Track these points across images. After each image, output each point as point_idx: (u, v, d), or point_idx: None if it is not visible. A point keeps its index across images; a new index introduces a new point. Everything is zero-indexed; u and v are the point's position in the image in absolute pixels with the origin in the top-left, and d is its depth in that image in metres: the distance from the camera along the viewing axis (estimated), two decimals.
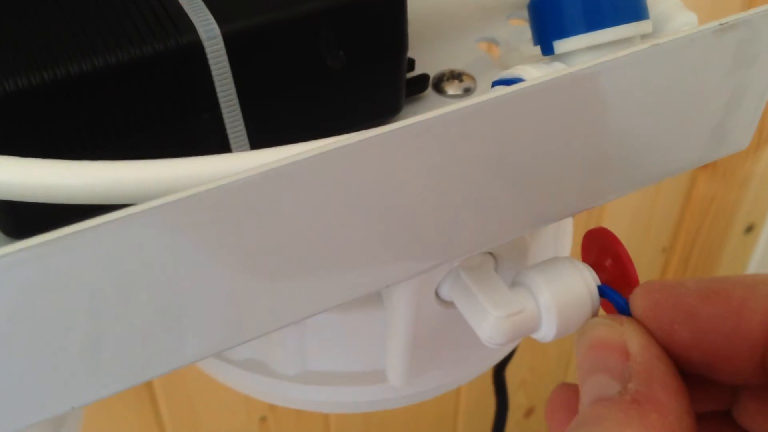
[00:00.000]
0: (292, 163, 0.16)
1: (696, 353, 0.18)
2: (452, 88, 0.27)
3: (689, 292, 0.19)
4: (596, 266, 0.24)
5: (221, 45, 0.20)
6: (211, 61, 0.20)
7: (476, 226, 0.20)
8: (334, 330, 0.26)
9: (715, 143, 0.23)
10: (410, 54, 0.27)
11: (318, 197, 0.17)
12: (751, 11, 0.20)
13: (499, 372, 0.49)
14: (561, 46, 0.23)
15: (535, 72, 0.21)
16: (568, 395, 0.22)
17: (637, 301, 0.20)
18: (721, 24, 0.20)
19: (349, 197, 0.18)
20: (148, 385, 0.63)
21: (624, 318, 0.20)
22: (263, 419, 0.71)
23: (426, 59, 0.28)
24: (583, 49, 0.22)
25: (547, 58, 0.24)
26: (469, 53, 0.29)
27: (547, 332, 0.22)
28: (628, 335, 0.19)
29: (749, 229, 0.88)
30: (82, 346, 0.16)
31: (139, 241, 0.15)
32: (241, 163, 0.17)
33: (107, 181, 0.16)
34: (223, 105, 0.21)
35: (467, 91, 0.26)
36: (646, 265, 0.87)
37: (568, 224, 0.31)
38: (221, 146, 0.22)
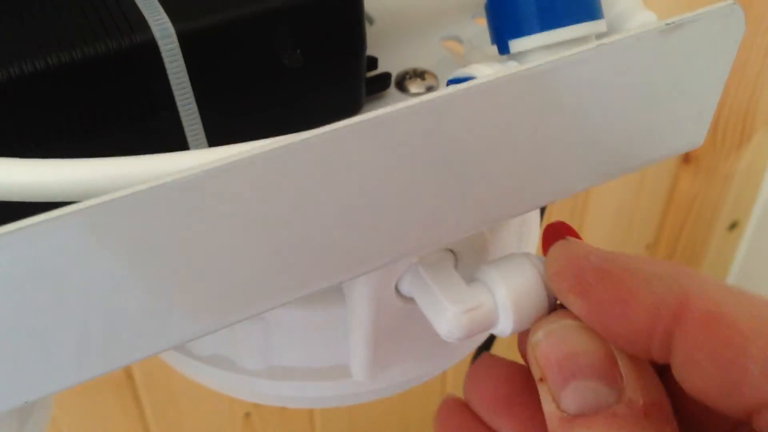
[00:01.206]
0: (243, 159, 0.16)
1: (591, 323, 0.19)
2: (415, 87, 0.27)
3: (589, 267, 0.19)
4: None
5: (176, 44, 0.20)
6: (165, 60, 0.20)
7: (431, 222, 0.21)
8: (297, 326, 0.27)
9: (670, 140, 0.23)
10: (374, 53, 0.27)
11: (270, 192, 0.17)
12: (698, 12, 0.20)
13: None
14: (516, 45, 0.23)
15: (487, 70, 0.22)
16: (493, 367, 0.23)
17: (548, 262, 0.20)
18: (668, 24, 0.20)
19: (301, 191, 0.18)
20: (131, 383, 0.63)
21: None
22: (247, 415, 0.71)
23: (390, 58, 0.28)
24: (538, 48, 0.23)
25: (504, 57, 0.24)
26: (434, 52, 0.29)
27: (504, 327, 0.23)
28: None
29: (733, 226, 0.89)
30: (55, 332, 0.17)
31: (81, 239, 0.16)
32: (183, 161, 0.17)
33: (47, 178, 0.17)
34: (179, 104, 0.21)
35: (430, 90, 0.27)
36: None
37: (533, 221, 0.31)
38: (180, 145, 0.22)
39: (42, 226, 0.15)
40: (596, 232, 0.78)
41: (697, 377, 0.18)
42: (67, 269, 0.16)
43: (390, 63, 0.28)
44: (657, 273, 0.19)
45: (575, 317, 0.20)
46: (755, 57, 0.72)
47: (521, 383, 0.23)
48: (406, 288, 0.24)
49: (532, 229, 0.31)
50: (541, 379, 0.20)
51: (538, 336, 0.20)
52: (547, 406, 0.19)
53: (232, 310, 0.19)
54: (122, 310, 0.17)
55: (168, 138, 0.22)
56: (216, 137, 0.23)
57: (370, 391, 0.28)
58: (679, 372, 0.18)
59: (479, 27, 0.30)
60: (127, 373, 0.62)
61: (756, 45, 0.71)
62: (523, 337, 0.25)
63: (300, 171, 0.18)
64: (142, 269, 0.17)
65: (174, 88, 0.21)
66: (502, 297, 0.22)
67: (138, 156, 0.18)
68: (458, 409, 0.23)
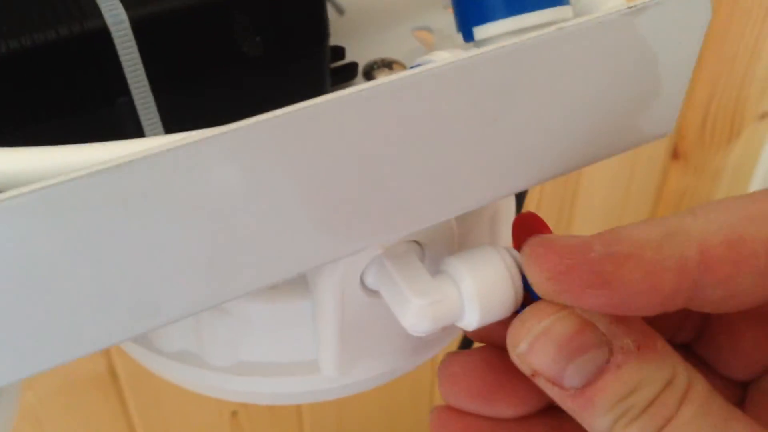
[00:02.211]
0: (194, 143, 0.16)
1: (614, 309, 0.20)
2: (383, 77, 0.26)
3: (601, 258, 0.19)
4: None
5: (128, 30, 0.20)
6: (118, 47, 0.20)
7: (395, 209, 0.20)
8: (263, 321, 0.26)
9: (638, 128, 0.23)
10: (345, 43, 0.27)
11: (230, 177, 0.17)
12: None
13: None
14: (481, 32, 0.22)
15: (447, 56, 0.21)
16: (466, 361, 0.23)
17: (540, 264, 0.20)
18: (631, 7, 0.19)
19: (260, 174, 0.17)
20: (116, 382, 0.62)
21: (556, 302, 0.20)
22: (234, 413, 0.71)
23: (360, 48, 0.28)
24: (502, 35, 0.22)
25: (470, 44, 0.24)
26: (405, 42, 0.28)
27: (470, 320, 0.22)
28: (577, 309, 0.20)
29: None
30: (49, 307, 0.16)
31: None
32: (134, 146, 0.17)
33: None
34: (134, 91, 0.21)
35: None
36: None
37: (506, 216, 0.31)
38: (137, 134, 0.22)
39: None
40: (585, 230, 0.78)
41: (731, 292, 0.20)
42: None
43: (360, 53, 0.27)
44: (664, 232, 0.19)
45: (546, 312, 0.20)
46: (743, 51, 0.71)
47: (501, 364, 0.23)
48: (371, 281, 0.24)
49: (506, 224, 0.31)
50: (533, 375, 0.20)
51: (522, 348, 0.20)
52: (551, 391, 0.20)
53: (192, 302, 0.18)
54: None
55: (126, 127, 0.22)
56: (175, 126, 0.22)
57: (339, 387, 0.27)
58: (709, 300, 0.20)
59: (452, 17, 0.29)
60: (112, 372, 0.62)
61: (744, 39, 0.70)
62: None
63: (261, 152, 0.17)
64: (81, 260, 0.16)
65: (128, 75, 0.21)
66: (468, 290, 0.22)
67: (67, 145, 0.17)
68: (451, 414, 0.23)
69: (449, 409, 0.24)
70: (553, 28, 0.19)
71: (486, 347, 0.24)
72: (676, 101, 0.22)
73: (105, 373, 0.62)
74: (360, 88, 0.17)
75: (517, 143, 0.21)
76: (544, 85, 0.20)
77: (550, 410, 0.23)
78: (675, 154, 0.76)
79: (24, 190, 0.15)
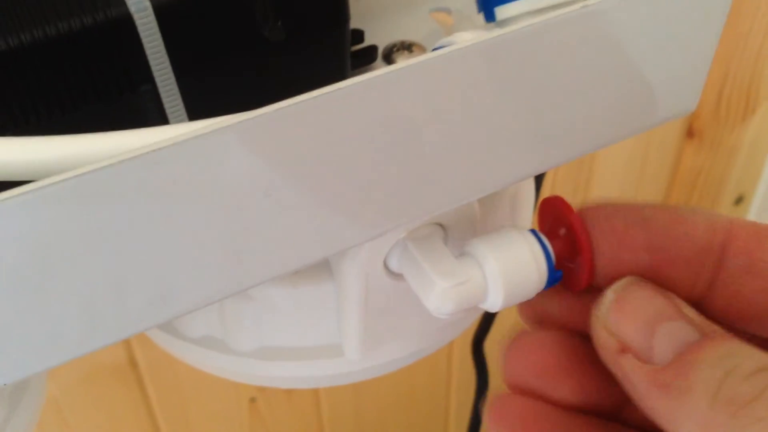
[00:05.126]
0: (215, 131, 0.16)
1: (646, 255, 0.21)
2: (402, 59, 0.26)
3: (643, 206, 0.22)
4: (550, 235, 0.24)
5: (152, 17, 0.20)
6: (142, 34, 0.20)
7: (417, 192, 0.20)
8: (286, 305, 0.26)
9: (660, 106, 0.22)
10: (361, 26, 0.27)
11: (253, 164, 0.17)
12: None
13: (477, 347, 0.49)
14: (502, 12, 0.22)
15: (470, 37, 0.21)
16: (539, 339, 0.23)
17: (591, 212, 0.22)
18: None
19: (286, 162, 0.17)
20: (135, 370, 0.63)
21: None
22: (253, 400, 0.71)
23: (377, 31, 0.28)
24: (524, 15, 0.22)
25: (491, 25, 0.23)
26: (423, 24, 0.28)
27: (494, 301, 0.22)
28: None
29: (739, 200, 0.88)
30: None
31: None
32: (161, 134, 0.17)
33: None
34: (157, 78, 0.21)
35: None
36: None
37: (527, 197, 0.31)
38: (161, 122, 0.22)
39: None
40: None
41: (750, 286, 0.20)
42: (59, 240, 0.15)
43: (378, 36, 0.27)
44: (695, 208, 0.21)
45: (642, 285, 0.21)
46: (758, 28, 0.71)
47: (570, 348, 0.23)
48: (394, 264, 0.24)
49: (526, 206, 0.31)
50: (622, 350, 0.19)
51: (609, 297, 0.20)
52: (638, 373, 0.19)
53: (214, 290, 0.19)
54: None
55: (149, 115, 0.22)
56: (198, 114, 0.22)
57: (362, 370, 0.28)
58: (728, 290, 0.21)
59: None
60: (132, 361, 0.62)
61: (759, 16, 0.70)
62: (527, 311, 0.24)
63: (283, 138, 0.17)
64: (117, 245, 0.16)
65: (152, 62, 0.21)
66: (492, 271, 0.22)
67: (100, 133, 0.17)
68: (510, 399, 0.23)
69: (508, 395, 0.23)
70: (577, 6, 0.19)
71: (556, 331, 0.24)
72: (700, 78, 0.22)
73: (125, 363, 0.62)
74: (383, 71, 0.17)
75: (539, 123, 0.21)
76: (566, 65, 0.20)
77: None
78: (689, 133, 0.76)
79: (56, 179, 0.15)
